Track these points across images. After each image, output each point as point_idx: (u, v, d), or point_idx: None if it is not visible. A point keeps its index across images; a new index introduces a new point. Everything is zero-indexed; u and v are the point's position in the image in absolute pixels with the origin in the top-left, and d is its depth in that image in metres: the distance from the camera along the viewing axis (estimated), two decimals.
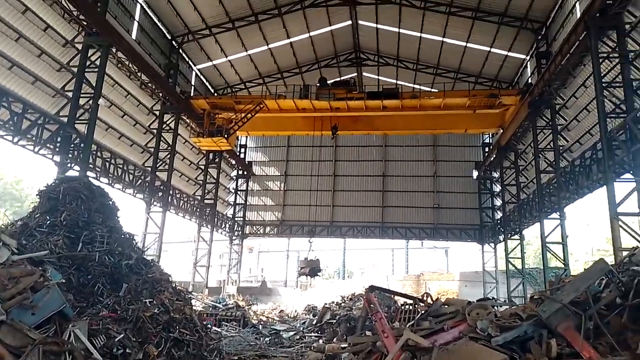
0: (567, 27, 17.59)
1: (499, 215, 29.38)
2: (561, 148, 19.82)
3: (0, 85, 14.10)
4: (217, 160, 28.90)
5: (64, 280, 6.80)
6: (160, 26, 22.63)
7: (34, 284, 5.51)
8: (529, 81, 22.55)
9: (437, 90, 24.71)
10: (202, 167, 28.54)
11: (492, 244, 30.04)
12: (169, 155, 22.78)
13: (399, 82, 29.24)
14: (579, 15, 16.20)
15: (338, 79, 28.68)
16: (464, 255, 40.76)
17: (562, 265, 18.35)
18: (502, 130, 25.16)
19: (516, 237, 24.76)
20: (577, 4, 17.13)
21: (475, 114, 23.88)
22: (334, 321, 15.58)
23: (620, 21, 13.70)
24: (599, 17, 13.82)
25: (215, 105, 24.42)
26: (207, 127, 23.04)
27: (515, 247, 24.69)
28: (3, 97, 13.47)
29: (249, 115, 23.49)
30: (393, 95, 23.50)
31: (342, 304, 19.03)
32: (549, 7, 19.71)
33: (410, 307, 8.58)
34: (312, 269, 22.20)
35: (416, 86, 29.12)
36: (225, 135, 22.75)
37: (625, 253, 6.46)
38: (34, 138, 14.47)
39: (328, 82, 25.99)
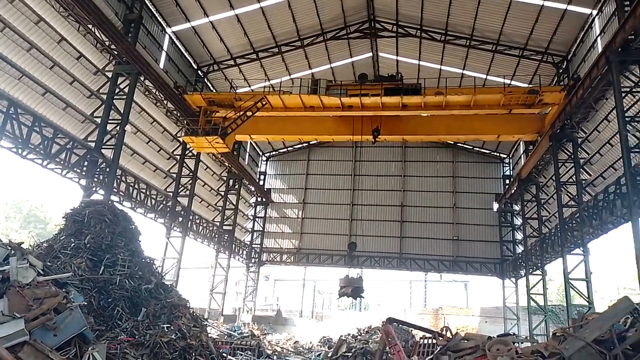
0: (589, 60, 17.58)
1: (520, 249, 28.77)
2: (584, 182, 19.50)
3: (33, 110, 14.72)
4: (236, 186, 29.23)
5: (85, 303, 6.92)
6: (187, 56, 23.39)
7: (57, 305, 5.63)
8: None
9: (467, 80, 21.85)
10: (222, 193, 28.92)
11: (513, 279, 29.29)
12: (190, 181, 23.16)
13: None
14: (600, 49, 16.22)
15: (381, 75, 23.45)
16: (484, 290, 39.79)
17: (587, 303, 17.77)
18: (540, 137, 21.50)
19: (538, 272, 24.12)
20: (599, 39, 17.16)
21: (511, 116, 21.25)
22: (350, 354, 15.28)
23: None
24: (621, 52, 13.82)
25: (212, 101, 21.30)
26: (202, 126, 20.01)
27: (537, 283, 24.02)
28: (35, 122, 14.04)
29: (249, 112, 20.10)
30: (414, 91, 19.92)
31: (359, 337, 18.69)
32: (570, 41, 19.77)
33: (429, 341, 8.42)
34: (354, 288, 19.27)
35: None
36: (222, 136, 19.43)
37: None
38: (62, 162, 14.97)
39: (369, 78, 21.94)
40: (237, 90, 22.54)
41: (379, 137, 21.22)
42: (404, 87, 19.95)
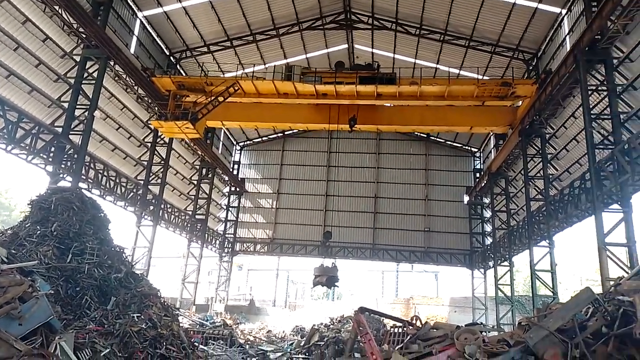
0: (558, 58, 18.06)
1: (489, 241, 29.51)
2: (551, 176, 20.11)
3: None
4: (209, 175, 28.88)
5: (52, 292, 6.75)
6: (159, 42, 22.83)
7: (22, 294, 5.48)
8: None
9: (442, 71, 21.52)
10: (195, 182, 28.53)
11: (482, 270, 30.07)
12: (162, 169, 22.75)
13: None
14: (568, 47, 16.68)
15: (358, 64, 22.49)
16: (454, 280, 40.71)
17: (551, 294, 18.42)
18: (511, 130, 21.68)
19: (506, 263, 24.82)
20: (568, 38, 17.63)
21: (484, 109, 21.27)
22: (322, 343, 15.37)
23: (608, 55, 14.13)
24: (588, 51, 14.24)
25: (182, 85, 20.65)
26: (171, 110, 19.09)
27: (504, 274, 24.73)
28: None
29: (221, 98, 19.48)
30: (389, 80, 19.73)
31: (331, 326, 18.85)
32: (540, 39, 20.25)
33: (399, 330, 8.58)
34: (329, 277, 18.91)
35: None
36: (192, 121, 18.61)
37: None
38: (27, 147, 14.45)
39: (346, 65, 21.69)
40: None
41: (355, 126, 21.03)
42: (379, 76, 19.86)
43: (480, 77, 22.32)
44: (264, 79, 20.32)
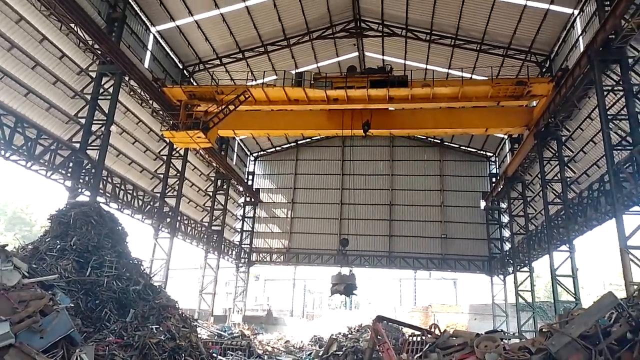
0: (571, 59, 17.82)
1: (507, 246, 29.07)
2: (569, 179, 19.76)
3: (15, 111, 14.46)
4: (225, 186, 29.08)
5: (72, 305, 6.84)
6: (172, 55, 23.20)
7: (43, 307, 5.56)
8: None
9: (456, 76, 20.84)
10: (210, 193, 28.76)
11: (502, 276, 29.60)
12: (177, 182, 22.99)
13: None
14: (582, 48, 16.46)
15: (372, 67, 22.12)
16: (473, 287, 40.23)
17: (573, 299, 18.02)
18: (527, 131, 21.24)
19: (525, 269, 24.40)
20: (581, 38, 17.42)
21: (499, 110, 21.05)
22: (341, 353, 15.28)
23: (623, 55, 13.90)
24: (602, 51, 14.03)
25: (193, 94, 20.55)
26: (183, 120, 19.15)
27: (524, 280, 24.30)
28: (18, 123, 13.80)
29: (232, 106, 19.35)
30: (401, 83, 19.31)
31: (349, 335, 18.71)
32: (553, 40, 20.04)
33: (418, 339, 8.47)
34: (347, 285, 18.56)
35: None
36: (204, 130, 18.48)
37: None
38: (46, 163, 14.75)
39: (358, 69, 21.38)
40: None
41: (369, 131, 20.77)
42: (391, 79, 19.40)
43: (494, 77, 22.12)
44: (274, 85, 20.36)
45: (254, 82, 23.51)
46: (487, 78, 21.67)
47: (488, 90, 19.03)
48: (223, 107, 19.23)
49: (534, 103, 20.52)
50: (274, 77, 26.37)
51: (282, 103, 20.74)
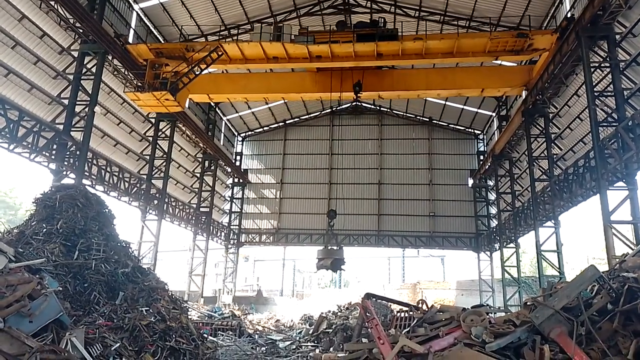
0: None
1: (494, 223, 29.51)
2: (555, 156, 20.00)
3: None
4: (212, 167, 28.91)
5: (60, 288, 6.81)
6: (157, 34, 22.72)
7: (31, 291, 5.53)
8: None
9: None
10: (198, 174, 28.60)
11: (488, 253, 30.12)
12: (164, 163, 22.77)
13: None
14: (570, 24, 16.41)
15: (363, 21, 20.09)
16: (461, 264, 40.81)
17: (558, 274, 18.44)
18: (525, 92, 20.34)
19: (512, 245, 24.85)
20: (569, 14, 17.37)
21: (496, 68, 20.27)
22: (331, 330, 15.55)
23: (611, 31, 13.93)
24: (590, 27, 14.05)
25: (160, 52, 18.60)
26: (149, 81, 17.14)
27: (511, 256, 24.77)
28: None
29: (203, 64, 17.76)
30: (390, 37, 17.62)
31: (339, 313, 18.97)
32: (542, 17, 19.96)
33: (406, 314, 8.63)
34: (334, 260, 17.36)
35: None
36: (172, 91, 16.72)
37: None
38: (29, 145, 14.50)
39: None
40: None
41: (360, 92, 19.34)
42: (379, 32, 17.73)
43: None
44: (250, 41, 18.32)
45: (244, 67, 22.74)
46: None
47: (486, 43, 17.61)
48: (193, 65, 17.57)
49: (537, 57, 19.08)
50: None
51: (259, 61, 18.89)
